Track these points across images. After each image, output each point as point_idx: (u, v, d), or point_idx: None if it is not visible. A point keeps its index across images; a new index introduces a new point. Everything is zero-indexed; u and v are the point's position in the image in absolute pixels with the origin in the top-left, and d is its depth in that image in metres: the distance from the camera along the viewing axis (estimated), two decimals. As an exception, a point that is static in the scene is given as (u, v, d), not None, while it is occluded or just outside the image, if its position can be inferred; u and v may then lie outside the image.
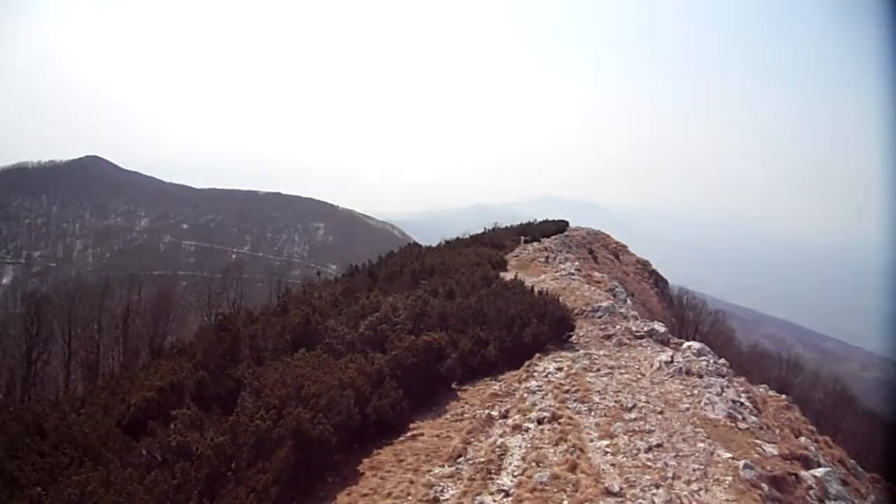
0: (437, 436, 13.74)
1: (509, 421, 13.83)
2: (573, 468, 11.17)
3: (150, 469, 10.24)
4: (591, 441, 12.50)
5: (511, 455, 12.08)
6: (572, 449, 11.91)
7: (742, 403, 14.76)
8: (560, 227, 52.86)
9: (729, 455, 11.73)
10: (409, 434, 13.93)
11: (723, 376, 16.57)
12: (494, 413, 14.51)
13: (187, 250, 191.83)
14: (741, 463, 11.38)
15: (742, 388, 16.26)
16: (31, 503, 8.83)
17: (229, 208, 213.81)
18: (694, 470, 11.19)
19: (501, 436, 13.08)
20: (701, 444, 12.17)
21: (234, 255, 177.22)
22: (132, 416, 12.90)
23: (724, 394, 15.01)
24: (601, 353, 18.82)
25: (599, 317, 22.41)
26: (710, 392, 14.97)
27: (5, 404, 28.28)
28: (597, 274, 35.05)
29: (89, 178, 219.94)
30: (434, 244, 43.20)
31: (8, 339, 35.31)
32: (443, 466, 11.95)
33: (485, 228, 49.85)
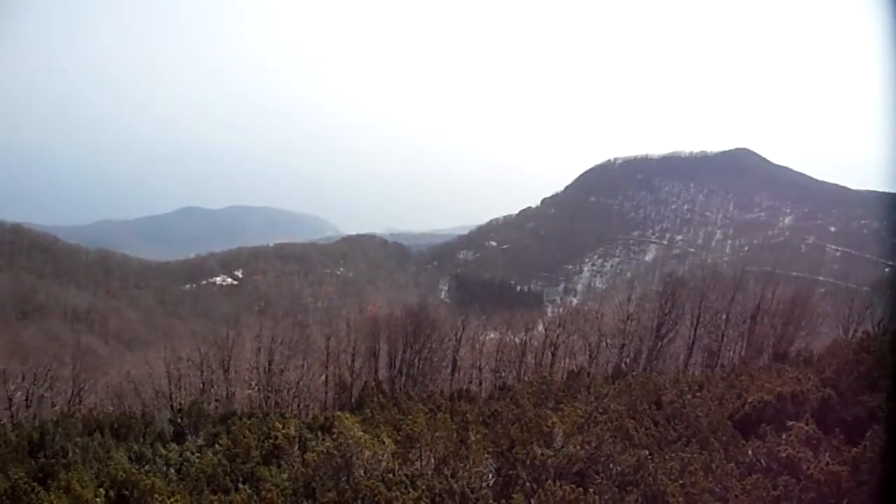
0: None
1: None
2: None
3: (751, 471, 10.31)
4: None
5: None
6: None
7: None
8: None
9: None
10: None
11: None
12: None
13: (831, 255, 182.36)
14: None
15: None
16: (637, 460, 9.90)
17: (890, 215, 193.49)
18: None
19: None
20: None
21: (886, 269, 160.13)
22: (745, 414, 13.16)
23: None
24: None
25: None
26: None
27: (631, 369, 32.45)
28: None
29: (737, 170, 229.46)
30: None
31: (643, 312, 40.22)
32: None
33: None
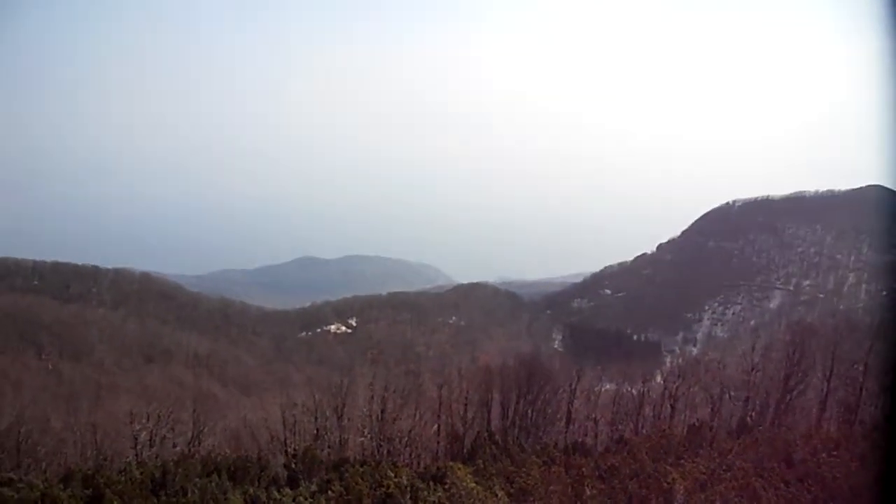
0: None
1: None
2: None
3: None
4: None
5: None
6: None
7: None
8: None
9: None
10: None
11: None
12: None
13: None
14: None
15: None
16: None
17: None
18: None
19: None
20: None
21: None
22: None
23: None
24: None
25: None
26: None
27: (757, 423, 30.55)
28: None
29: (869, 208, 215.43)
30: None
31: (769, 362, 38.00)
32: None
33: None
